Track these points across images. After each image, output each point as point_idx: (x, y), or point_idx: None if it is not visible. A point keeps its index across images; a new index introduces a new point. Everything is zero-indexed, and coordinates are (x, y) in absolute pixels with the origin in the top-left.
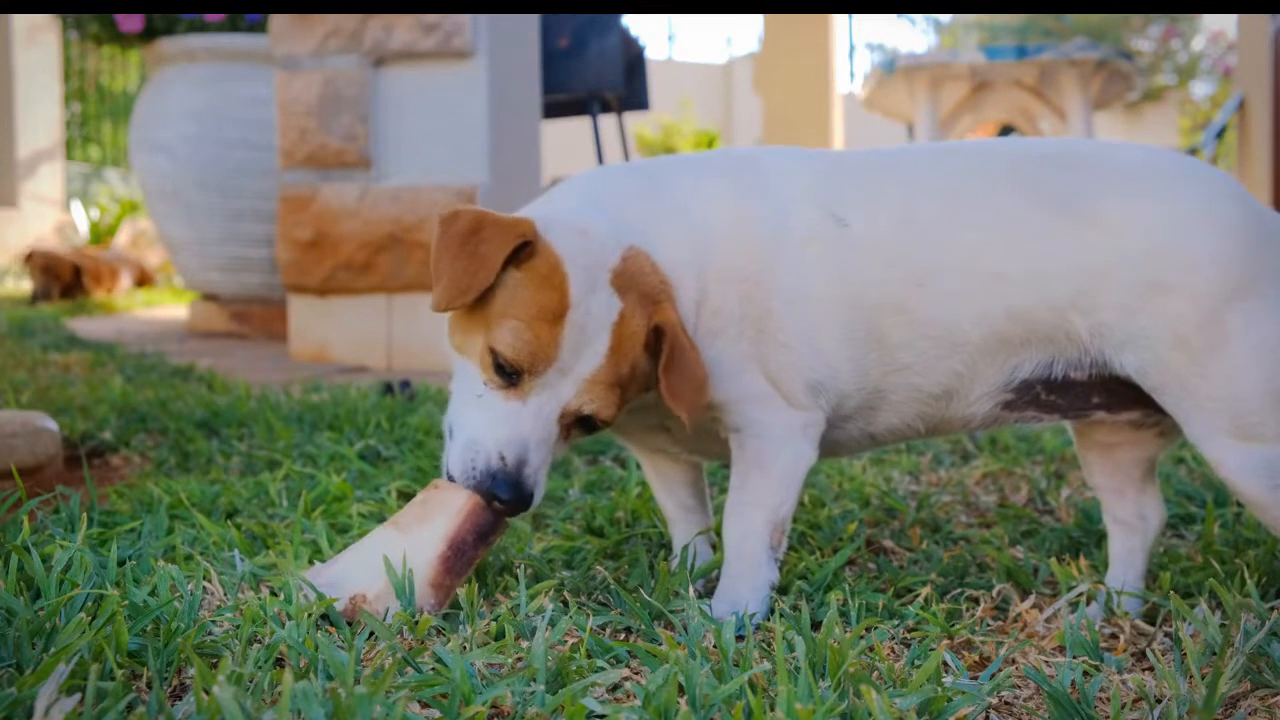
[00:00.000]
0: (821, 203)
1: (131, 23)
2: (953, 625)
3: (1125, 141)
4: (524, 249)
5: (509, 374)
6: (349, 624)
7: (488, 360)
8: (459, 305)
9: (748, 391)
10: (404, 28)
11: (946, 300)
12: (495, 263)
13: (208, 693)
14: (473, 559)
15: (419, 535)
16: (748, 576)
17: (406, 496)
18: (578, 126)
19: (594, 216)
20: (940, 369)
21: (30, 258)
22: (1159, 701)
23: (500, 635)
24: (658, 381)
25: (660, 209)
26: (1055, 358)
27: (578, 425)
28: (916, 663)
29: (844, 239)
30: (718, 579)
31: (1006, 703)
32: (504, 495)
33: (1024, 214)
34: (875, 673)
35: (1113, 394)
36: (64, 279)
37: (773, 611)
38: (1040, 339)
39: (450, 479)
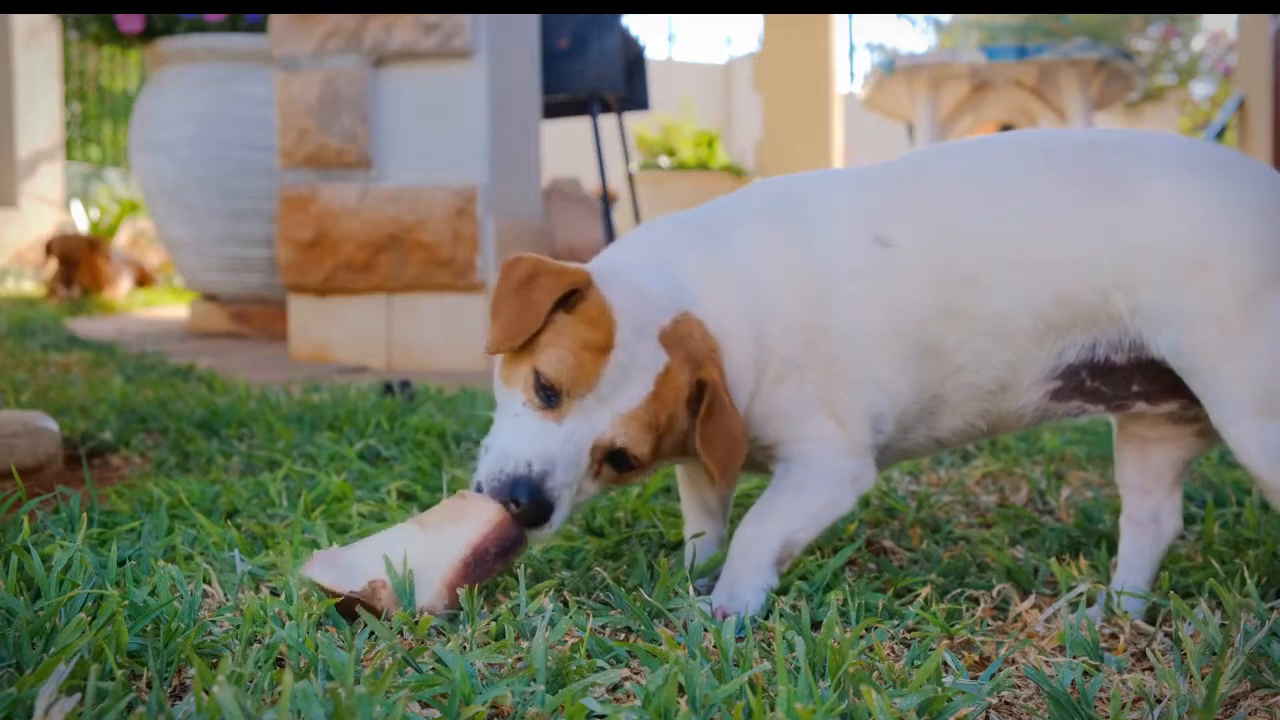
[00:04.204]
0: (864, 228)
1: (131, 23)
2: (953, 625)
3: (1161, 131)
4: (574, 295)
5: (549, 395)
6: (362, 608)
7: (530, 381)
8: (509, 348)
9: (812, 433)
10: (404, 28)
11: (996, 294)
12: (544, 308)
13: (208, 693)
14: (490, 571)
15: (445, 535)
16: (749, 576)
17: (406, 496)
18: (578, 126)
19: (651, 278)
20: (994, 363)
21: (49, 247)
22: (1159, 701)
23: (500, 635)
24: (694, 442)
25: (714, 268)
26: (1098, 340)
27: (609, 461)
28: (916, 663)
29: (892, 261)
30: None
31: (1006, 703)
32: (523, 498)
33: (1067, 198)
34: (875, 673)
35: (1151, 381)
36: (79, 261)
37: (770, 612)
38: (1084, 321)
39: (479, 489)
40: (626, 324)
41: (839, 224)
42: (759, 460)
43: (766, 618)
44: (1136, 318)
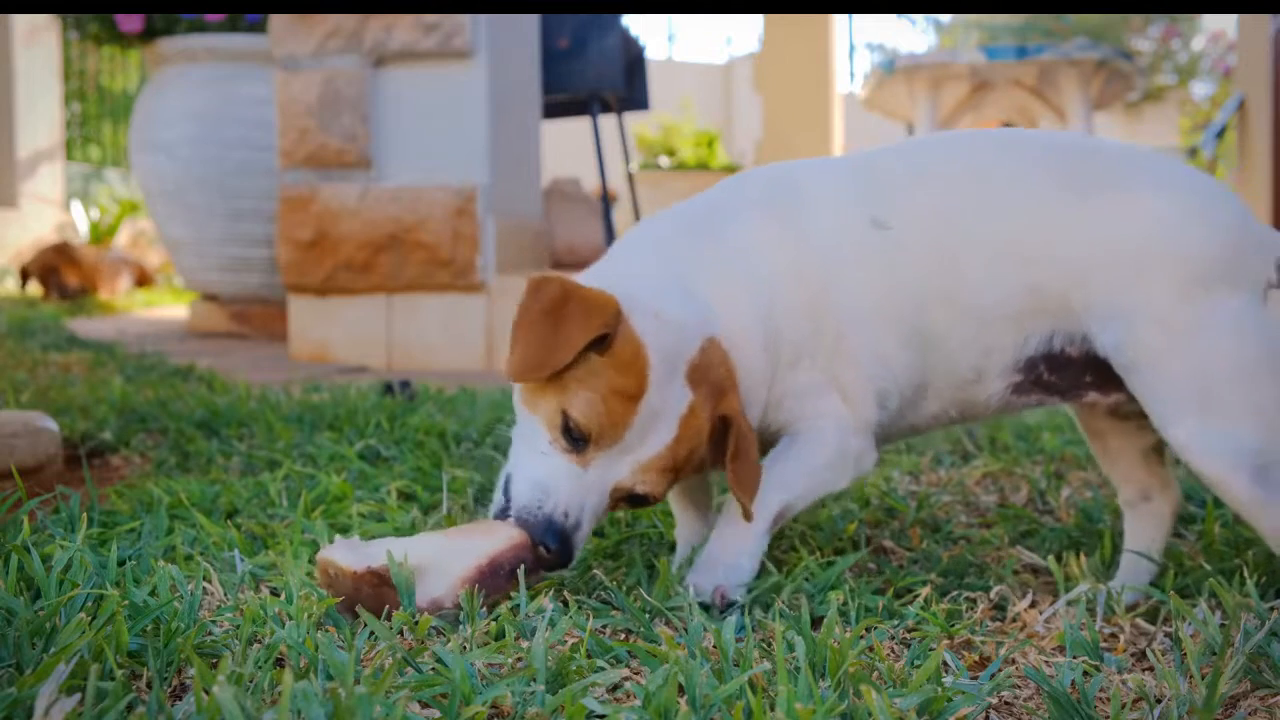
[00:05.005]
0: (862, 212)
1: (131, 23)
2: (953, 625)
3: (1138, 144)
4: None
5: (576, 440)
6: (363, 605)
7: (557, 421)
8: (533, 379)
9: (825, 409)
10: (404, 28)
11: (983, 281)
12: (575, 346)
13: (208, 693)
14: (502, 585)
15: (465, 544)
16: (743, 539)
17: (406, 496)
18: (578, 126)
19: (674, 301)
20: (973, 350)
21: (24, 274)
22: (1159, 701)
23: (500, 635)
24: (713, 463)
25: (720, 265)
26: (1055, 330)
27: (626, 500)
28: (916, 663)
29: (890, 244)
30: None
31: (1006, 703)
32: (552, 544)
33: (1047, 192)
34: (875, 673)
35: (1099, 373)
36: (57, 267)
37: (769, 608)
38: (1046, 312)
39: (505, 514)
40: (659, 362)
41: (835, 208)
42: (766, 439)
43: (765, 611)
44: (1086, 312)
